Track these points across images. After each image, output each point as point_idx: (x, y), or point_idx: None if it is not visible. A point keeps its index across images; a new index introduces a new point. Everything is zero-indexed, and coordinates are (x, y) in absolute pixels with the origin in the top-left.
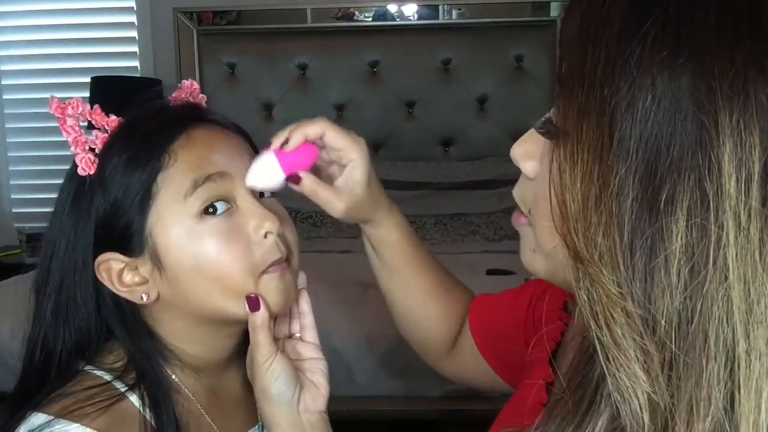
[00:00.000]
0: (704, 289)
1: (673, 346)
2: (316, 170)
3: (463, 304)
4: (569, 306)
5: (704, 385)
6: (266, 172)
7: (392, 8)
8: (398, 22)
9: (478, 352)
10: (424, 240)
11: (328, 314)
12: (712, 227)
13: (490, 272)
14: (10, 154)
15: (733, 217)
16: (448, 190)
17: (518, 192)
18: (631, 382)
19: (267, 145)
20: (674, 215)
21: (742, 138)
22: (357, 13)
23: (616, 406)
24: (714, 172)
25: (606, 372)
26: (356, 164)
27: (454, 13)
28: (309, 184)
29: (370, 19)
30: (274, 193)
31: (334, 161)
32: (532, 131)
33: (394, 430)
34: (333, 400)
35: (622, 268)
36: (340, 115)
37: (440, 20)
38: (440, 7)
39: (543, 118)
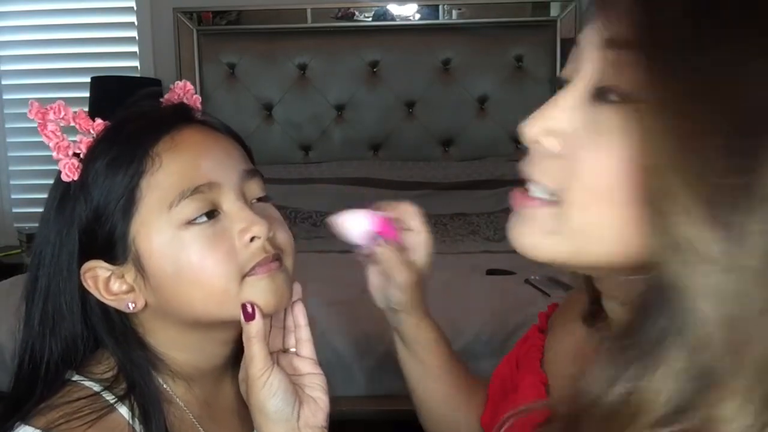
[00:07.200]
0: None
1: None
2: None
3: (483, 395)
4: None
5: None
6: (357, 220)
7: (392, 8)
8: (398, 22)
9: None
10: None
11: (328, 314)
12: None
13: (490, 272)
14: (10, 154)
15: None
16: (448, 190)
17: (540, 171)
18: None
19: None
20: None
21: None
22: (357, 13)
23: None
24: None
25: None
26: (421, 245)
27: (454, 13)
28: (387, 250)
29: (370, 19)
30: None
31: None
32: (543, 108)
33: (394, 430)
34: (332, 400)
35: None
36: (340, 115)
37: (440, 20)
38: (440, 7)
39: (593, 88)
